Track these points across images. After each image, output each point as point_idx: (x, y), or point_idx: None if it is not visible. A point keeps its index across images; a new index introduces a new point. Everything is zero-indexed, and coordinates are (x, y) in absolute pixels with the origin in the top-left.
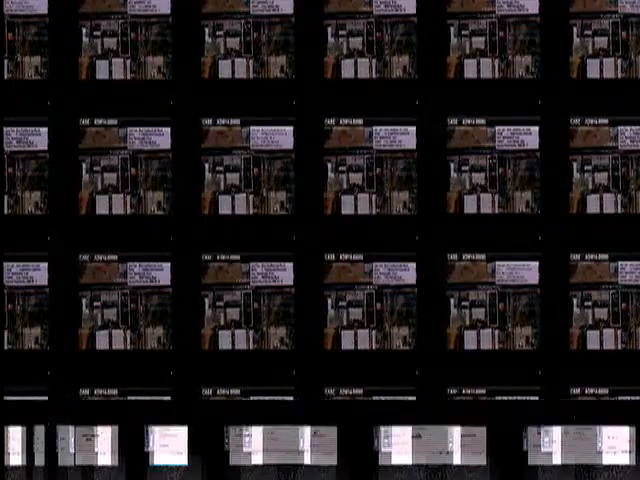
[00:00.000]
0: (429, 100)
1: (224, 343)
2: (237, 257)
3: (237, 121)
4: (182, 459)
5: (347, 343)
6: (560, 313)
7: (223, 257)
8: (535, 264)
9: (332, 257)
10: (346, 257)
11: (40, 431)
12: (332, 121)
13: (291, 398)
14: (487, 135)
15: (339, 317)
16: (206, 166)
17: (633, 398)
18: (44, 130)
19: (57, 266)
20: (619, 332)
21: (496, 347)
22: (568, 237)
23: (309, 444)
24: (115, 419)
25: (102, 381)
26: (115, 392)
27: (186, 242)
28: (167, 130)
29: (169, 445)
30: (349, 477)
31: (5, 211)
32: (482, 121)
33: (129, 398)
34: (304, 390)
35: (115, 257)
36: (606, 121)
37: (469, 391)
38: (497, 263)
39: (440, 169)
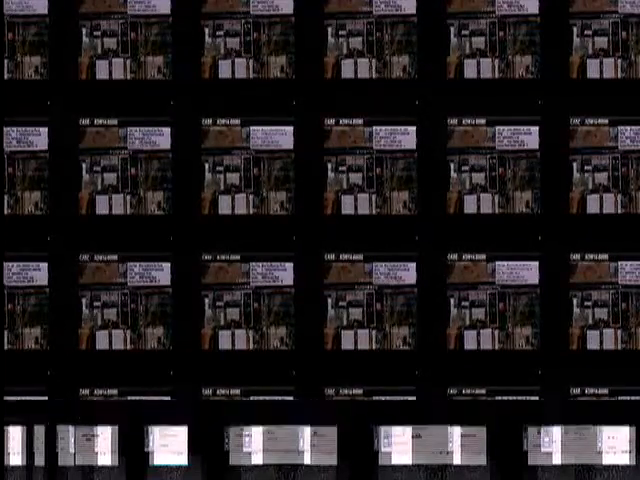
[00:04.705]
0: (429, 100)
1: (224, 343)
2: (237, 257)
3: (237, 121)
4: (182, 459)
5: (347, 343)
6: (560, 313)
7: (223, 257)
8: (535, 264)
9: (332, 257)
10: (346, 257)
11: (40, 431)
12: (332, 121)
13: (291, 398)
14: (487, 135)
15: (339, 317)
16: (206, 166)
17: (633, 398)
18: (44, 130)
19: (57, 266)
20: (619, 332)
21: (496, 347)
22: (568, 237)
23: (309, 444)
24: (115, 419)
25: (102, 381)
26: (115, 392)
27: (186, 242)
28: (167, 130)
29: (169, 445)
30: (349, 477)
31: (5, 211)
32: (482, 121)
33: (129, 398)
34: (304, 390)
35: (115, 257)
36: (606, 121)
37: (469, 391)
38: (497, 263)
39: (440, 169)
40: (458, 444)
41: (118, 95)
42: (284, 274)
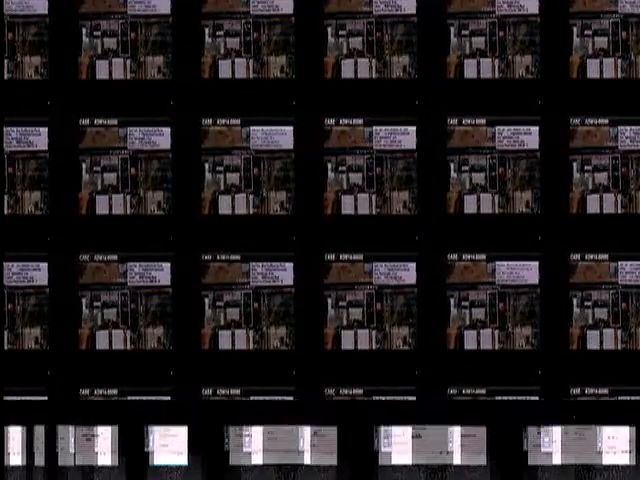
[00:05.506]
0: (429, 100)
1: (224, 343)
2: (237, 257)
3: (237, 121)
4: (182, 459)
5: (347, 343)
6: (560, 313)
7: (223, 257)
8: (535, 264)
9: (332, 257)
10: (346, 257)
11: (40, 431)
12: (332, 121)
13: (291, 398)
14: (487, 135)
15: (339, 317)
16: (206, 166)
17: (633, 398)
18: (44, 130)
19: (57, 266)
20: (619, 332)
21: (496, 347)
22: (568, 237)
23: (309, 444)
24: (115, 419)
25: (102, 381)
26: (115, 392)
27: (186, 242)
28: (167, 130)
29: (169, 445)
30: (349, 477)
31: (5, 211)
32: (482, 121)
33: (129, 398)
34: (304, 390)
35: (115, 257)
36: (606, 121)
37: (469, 391)
38: (497, 263)
39: (440, 169)
40: (458, 444)
41: (118, 95)
42: (284, 274)
